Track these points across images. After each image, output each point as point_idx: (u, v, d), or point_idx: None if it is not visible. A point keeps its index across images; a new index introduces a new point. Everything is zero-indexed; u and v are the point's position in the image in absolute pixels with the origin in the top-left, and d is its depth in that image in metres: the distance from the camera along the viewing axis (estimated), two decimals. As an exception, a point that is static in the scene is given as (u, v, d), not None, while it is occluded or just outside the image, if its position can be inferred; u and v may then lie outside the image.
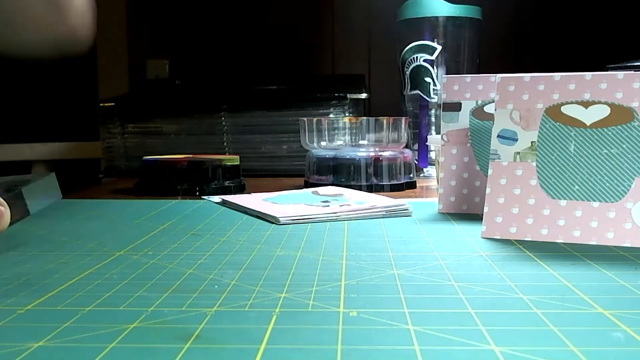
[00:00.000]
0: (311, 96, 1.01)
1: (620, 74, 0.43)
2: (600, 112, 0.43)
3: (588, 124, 0.44)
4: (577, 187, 0.44)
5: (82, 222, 0.55)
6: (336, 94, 1.00)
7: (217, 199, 0.67)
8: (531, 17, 1.30)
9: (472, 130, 0.56)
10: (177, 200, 0.67)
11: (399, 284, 0.33)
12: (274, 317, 0.28)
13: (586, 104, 0.44)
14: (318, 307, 0.29)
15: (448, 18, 0.89)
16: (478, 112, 0.56)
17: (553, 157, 0.45)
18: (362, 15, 1.37)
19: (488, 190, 0.46)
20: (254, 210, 0.57)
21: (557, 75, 0.45)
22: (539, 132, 0.45)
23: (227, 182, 0.77)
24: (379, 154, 0.77)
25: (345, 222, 0.53)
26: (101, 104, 1.05)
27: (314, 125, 0.81)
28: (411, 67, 0.91)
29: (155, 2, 1.46)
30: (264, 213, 0.55)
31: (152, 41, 1.47)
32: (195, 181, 0.75)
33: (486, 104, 0.55)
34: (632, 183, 0.42)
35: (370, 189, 0.75)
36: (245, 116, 1.02)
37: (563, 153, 0.44)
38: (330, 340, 0.25)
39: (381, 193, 0.72)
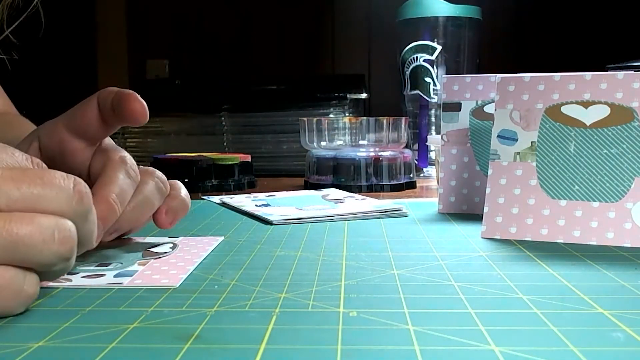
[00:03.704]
0: (311, 96, 1.01)
1: (620, 74, 0.43)
2: (600, 112, 0.43)
3: (588, 124, 0.44)
4: (577, 187, 0.44)
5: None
6: (336, 94, 1.00)
7: (217, 199, 0.67)
8: (531, 17, 1.30)
9: (472, 130, 0.56)
10: None
11: (399, 284, 0.33)
12: (274, 317, 0.28)
13: (586, 104, 0.44)
14: (318, 307, 0.29)
15: (448, 18, 0.89)
16: (478, 112, 0.56)
17: (553, 157, 0.45)
18: (362, 15, 1.36)
19: (488, 190, 0.46)
20: (247, 212, 0.57)
21: (557, 75, 0.45)
22: (539, 132, 0.45)
23: (230, 180, 0.77)
24: (379, 154, 0.77)
25: (345, 222, 0.53)
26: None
27: (314, 125, 0.81)
28: (411, 67, 0.91)
29: (155, 3, 1.46)
30: (257, 215, 0.55)
31: (152, 41, 1.47)
32: (195, 179, 0.75)
33: (486, 104, 0.55)
34: (632, 183, 0.42)
35: (370, 189, 0.75)
36: (245, 116, 1.02)
37: (563, 153, 0.44)
38: (330, 340, 0.25)
39: (381, 193, 0.72)
